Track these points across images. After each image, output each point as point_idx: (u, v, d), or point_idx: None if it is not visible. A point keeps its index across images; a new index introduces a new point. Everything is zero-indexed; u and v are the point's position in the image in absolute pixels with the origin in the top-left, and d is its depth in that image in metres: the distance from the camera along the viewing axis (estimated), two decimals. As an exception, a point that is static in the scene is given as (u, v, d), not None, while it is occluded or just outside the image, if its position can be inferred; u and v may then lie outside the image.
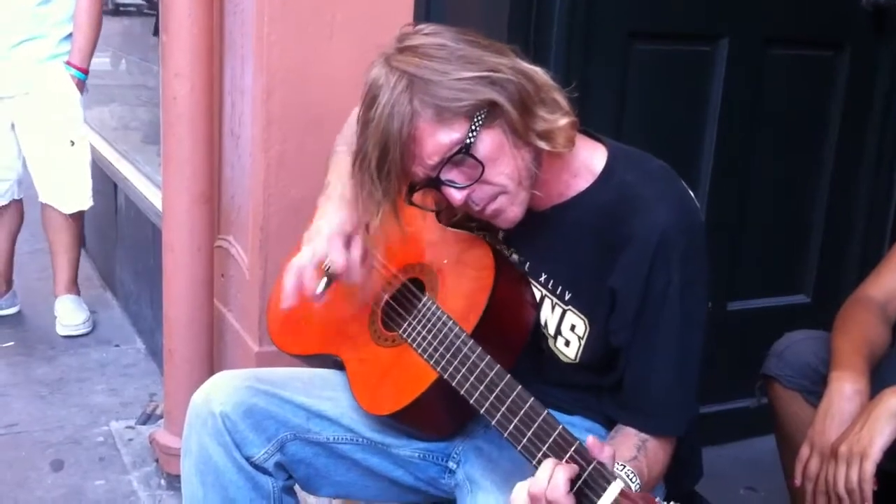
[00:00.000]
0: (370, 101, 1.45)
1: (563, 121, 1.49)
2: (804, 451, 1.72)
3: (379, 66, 1.45)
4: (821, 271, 2.89)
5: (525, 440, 1.36)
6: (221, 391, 1.68)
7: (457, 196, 1.48)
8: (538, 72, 1.50)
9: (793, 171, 2.78)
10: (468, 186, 1.47)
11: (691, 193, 1.59)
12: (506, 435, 1.39)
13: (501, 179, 1.48)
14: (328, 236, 1.64)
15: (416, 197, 1.53)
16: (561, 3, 2.27)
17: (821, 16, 2.66)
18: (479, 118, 1.43)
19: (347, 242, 1.65)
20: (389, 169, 1.44)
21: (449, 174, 1.47)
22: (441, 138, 1.43)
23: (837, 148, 2.80)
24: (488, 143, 1.45)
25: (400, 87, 1.42)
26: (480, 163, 1.44)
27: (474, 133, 1.43)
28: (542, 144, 1.48)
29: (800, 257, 2.88)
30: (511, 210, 1.51)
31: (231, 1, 2.41)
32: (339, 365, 1.74)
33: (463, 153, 1.44)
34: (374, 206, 1.49)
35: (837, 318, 1.88)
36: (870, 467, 1.59)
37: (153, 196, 3.44)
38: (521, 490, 1.29)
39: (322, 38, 2.22)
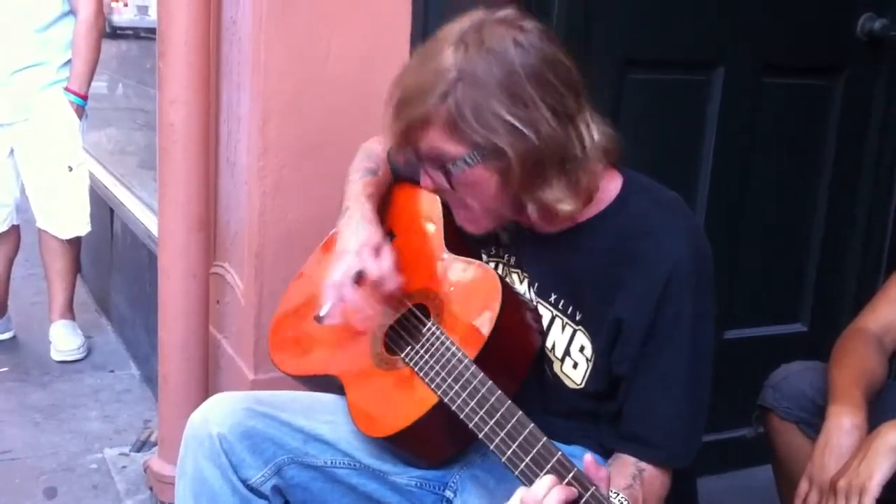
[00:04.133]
0: (426, 54, 1.49)
1: (567, 207, 1.50)
2: (803, 485, 1.71)
3: (454, 45, 1.45)
4: (818, 300, 2.89)
5: (523, 465, 1.35)
6: (219, 412, 1.67)
7: (427, 184, 1.55)
8: (598, 146, 1.51)
9: (789, 200, 2.78)
10: (438, 187, 1.54)
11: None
12: (504, 460, 1.38)
13: (471, 202, 1.54)
14: (356, 250, 1.66)
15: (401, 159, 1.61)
16: (557, 30, 2.27)
17: (816, 44, 2.68)
18: (480, 156, 1.45)
19: (376, 253, 1.67)
20: (402, 119, 1.49)
21: (432, 167, 1.52)
22: (441, 143, 1.47)
23: (833, 176, 2.81)
24: (475, 176, 1.48)
25: (450, 77, 1.43)
26: (452, 187, 1.50)
27: (467, 163, 1.47)
28: (531, 207, 1.51)
29: (796, 286, 2.88)
30: (475, 224, 1.60)
31: (228, 28, 2.42)
32: (339, 389, 1.73)
33: (446, 169, 1.48)
34: (386, 135, 1.55)
35: (834, 350, 1.88)
36: (869, 502, 1.58)
37: (149, 221, 3.43)
38: (515, 499, 1.29)
39: (318, 63, 2.22)
